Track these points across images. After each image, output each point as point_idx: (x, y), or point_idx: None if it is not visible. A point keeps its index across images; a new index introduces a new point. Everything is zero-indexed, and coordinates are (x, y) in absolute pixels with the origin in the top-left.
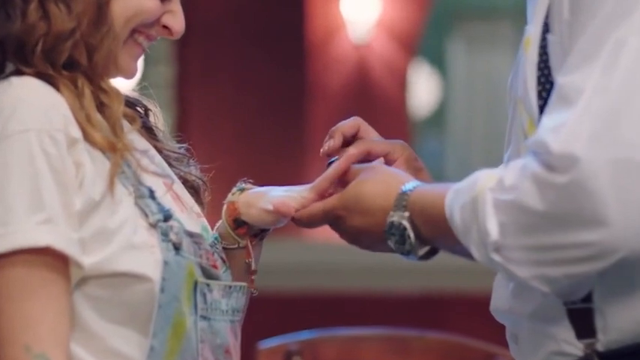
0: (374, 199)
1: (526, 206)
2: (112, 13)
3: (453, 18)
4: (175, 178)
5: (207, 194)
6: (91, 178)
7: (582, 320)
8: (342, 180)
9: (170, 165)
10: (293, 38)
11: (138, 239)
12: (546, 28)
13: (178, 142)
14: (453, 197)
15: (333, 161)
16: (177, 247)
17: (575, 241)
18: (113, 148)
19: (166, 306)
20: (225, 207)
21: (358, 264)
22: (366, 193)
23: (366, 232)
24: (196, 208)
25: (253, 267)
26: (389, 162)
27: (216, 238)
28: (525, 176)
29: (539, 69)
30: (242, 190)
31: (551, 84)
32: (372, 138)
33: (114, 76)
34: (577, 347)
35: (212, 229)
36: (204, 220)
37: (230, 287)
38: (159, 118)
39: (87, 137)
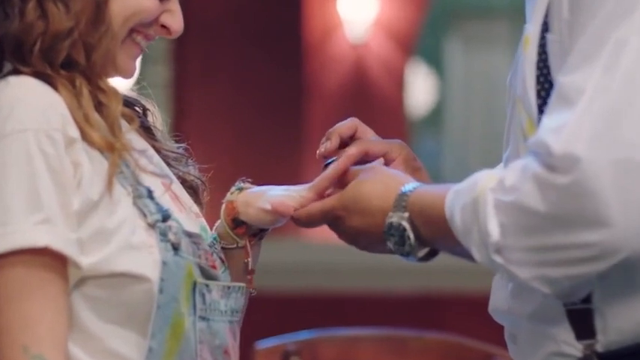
0: (373, 199)
1: (527, 207)
2: (110, 12)
3: (450, 17)
4: (174, 178)
5: (205, 194)
6: (89, 178)
7: (582, 321)
8: (341, 180)
9: (169, 165)
10: (290, 38)
11: (136, 239)
12: (545, 27)
13: (176, 141)
14: (453, 198)
15: (329, 163)
16: (175, 248)
17: (576, 242)
18: (111, 148)
19: (165, 306)
20: (223, 206)
21: (356, 264)
22: (365, 194)
23: (365, 232)
24: (195, 208)
25: (251, 267)
26: (387, 161)
27: (214, 239)
28: (526, 177)
29: (538, 68)
30: (241, 189)
31: (550, 83)
32: (369, 138)
33: (112, 76)
34: (576, 348)
35: (210, 229)
36: (203, 220)
37: (229, 288)
38: (157, 118)
39: (85, 137)
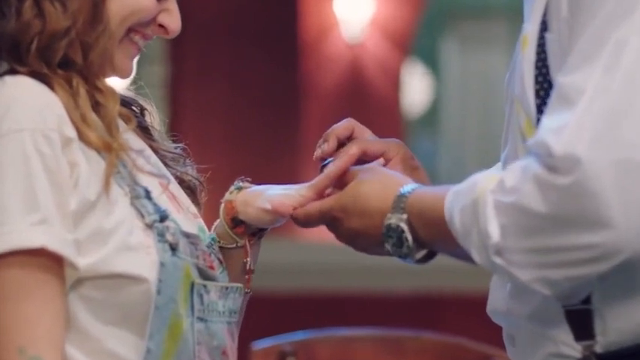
0: (372, 200)
1: (528, 208)
2: (107, 11)
3: (446, 17)
4: (171, 178)
5: (203, 195)
6: (86, 178)
7: (581, 322)
8: (341, 181)
9: (166, 165)
10: (287, 38)
11: (134, 240)
12: (544, 27)
13: (174, 141)
14: (452, 199)
15: (326, 164)
16: (173, 248)
17: (577, 243)
18: (108, 148)
19: (163, 307)
20: (222, 206)
21: (353, 264)
22: (363, 195)
23: (363, 234)
24: (193, 208)
25: (250, 267)
26: (385, 161)
27: (213, 239)
28: (526, 178)
29: (537, 67)
30: (240, 188)
31: (549, 83)
32: (367, 138)
33: (109, 76)
34: (575, 349)
35: (207, 229)
36: (201, 221)
37: (227, 288)
38: (155, 118)
39: (82, 137)
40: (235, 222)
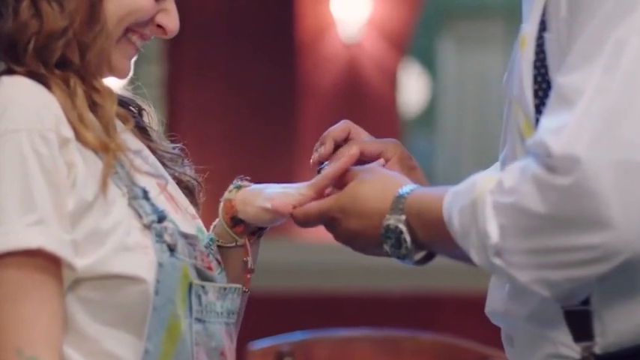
0: (371, 201)
1: (527, 209)
2: (105, 11)
3: (443, 17)
4: (169, 178)
5: (202, 195)
6: (83, 179)
7: (580, 323)
8: (341, 180)
9: (164, 165)
10: (284, 37)
11: (131, 240)
12: (543, 27)
13: (171, 142)
14: (451, 200)
15: (323, 167)
16: (171, 249)
17: (577, 244)
18: (106, 149)
19: (161, 308)
20: (221, 205)
21: (350, 264)
22: (362, 196)
23: (361, 234)
24: (191, 209)
25: (251, 266)
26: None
27: (211, 239)
28: (526, 178)
29: (536, 67)
30: (239, 187)
31: (548, 83)
32: (363, 139)
33: (107, 76)
34: (574, 350)
35: (205, 229)
36: (200, 222)
37: (225, 289)
38: (153, 118)
39: (79, 137)
40: (234, 221)
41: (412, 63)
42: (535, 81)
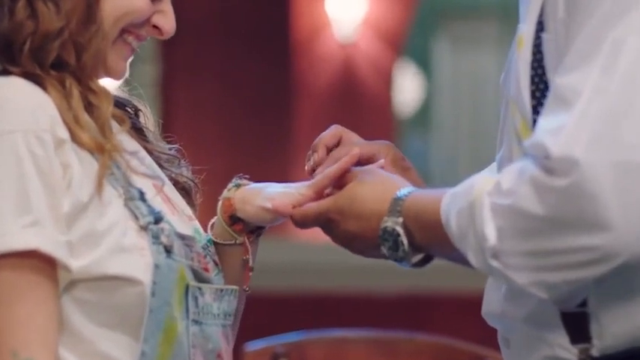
0: (369, 203)
1: (525, 211)
2: (101, 12)
3: (438, 17)
4: (166, 179)
5: (198, 196)
6: (78, 180)
7: (577, 325)
8: (340, 181)
9: (161, 166)
10: (279, 37)
11: (127, 242)
12: (540, 27)
13: (167, 142)
14: (448, 202)
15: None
16: (168, 250)
17: (576, 246)
18: (101, 149)
19: (157, 310)
20: (220, 203)
21: (346, 264)
22: (360, 197)
23: (359, 236)
24: (188, 210)
25: (251, 264)
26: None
27: (208, 241)
28: (523, 180)
29: (533, 68)
30: (238, 186)
31: (545, 83)
32: (354, 142)
33: (103, 77)
34: (571, 352)
35: (202, 229)
36: (197, 223)
37: (222, 290)
38: (149, 119)
39: (75, 138)
40: (233, 219)
41: (407, 63)
42: (532, 81)
